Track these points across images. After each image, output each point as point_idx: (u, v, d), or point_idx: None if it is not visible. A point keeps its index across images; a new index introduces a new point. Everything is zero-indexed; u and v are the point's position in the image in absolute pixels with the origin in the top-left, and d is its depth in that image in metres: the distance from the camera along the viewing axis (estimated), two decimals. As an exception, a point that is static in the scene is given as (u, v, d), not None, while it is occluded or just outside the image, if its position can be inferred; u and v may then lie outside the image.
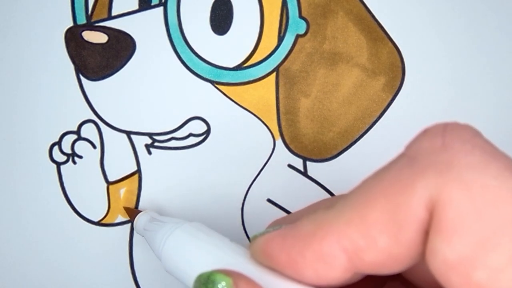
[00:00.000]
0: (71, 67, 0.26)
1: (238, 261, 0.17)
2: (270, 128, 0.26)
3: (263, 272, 0.17)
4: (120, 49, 0.26)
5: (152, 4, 0.26)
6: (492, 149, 0.14)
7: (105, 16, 0.26)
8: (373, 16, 0.26)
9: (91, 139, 0.26)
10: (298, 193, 0.26)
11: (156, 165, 0.26)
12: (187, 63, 0.26)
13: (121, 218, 0.26)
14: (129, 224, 0.26)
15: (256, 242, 0.17)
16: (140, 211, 0.25)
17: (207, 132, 0.26)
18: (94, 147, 0.26)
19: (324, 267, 0.15)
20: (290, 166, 0.26)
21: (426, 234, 0.13)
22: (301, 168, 0.26)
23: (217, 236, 0.20)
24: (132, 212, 0.25)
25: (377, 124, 0.26)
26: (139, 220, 0.24)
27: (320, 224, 0.15)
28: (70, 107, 0.26)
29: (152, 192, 0.26)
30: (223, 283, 0.16)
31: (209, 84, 0.26)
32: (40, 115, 0.26)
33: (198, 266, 0.18)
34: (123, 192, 0.26)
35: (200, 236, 0.20)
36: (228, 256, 0.18)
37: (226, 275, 0.16)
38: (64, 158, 0.26)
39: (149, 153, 0.26)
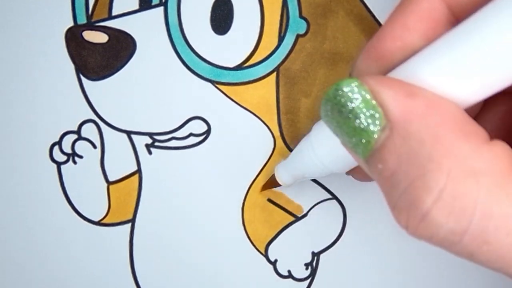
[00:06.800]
0: (71, 67, 0.26)
1: None
2: (270, 128, 0.26)
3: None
4: (120, 49, 0.26)
5: (153, 4, 0.26)
6: None
7: (106, 16, 0.26)
8: (373, 16, 0.26)
9: (91, 139, 0.26)
10: (299, 193, 0.26)
11: (156, 165, 0.26)
12: (187, 63, 0.26)
13: (121, 218, 0.26)
14: (129, 224, 0.26)
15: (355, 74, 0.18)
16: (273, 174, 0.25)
17: (207, 132, 0.26)
18: (95, 147, 0.26)
19: (429, 24, 0.15)
20: (290, 166, 0.26)
21: None
22: (302, 168, 0.26)
23: None
24: (271, 182, 0.25)
25: (377, 124, 0.26)
26: (279, 172, 0.24)
27: None
28: (70, 107, 0.26)
29: (152, 192, 0.26)
30: (353, 84, 0.15)
31: (210, 84, 0.26)
32: (40, 115, 0.26)
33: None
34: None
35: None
36: None
37: (351, 78, 0.16)
38: (65, 158, 0.26)
39: (150, 153, 0.26)
